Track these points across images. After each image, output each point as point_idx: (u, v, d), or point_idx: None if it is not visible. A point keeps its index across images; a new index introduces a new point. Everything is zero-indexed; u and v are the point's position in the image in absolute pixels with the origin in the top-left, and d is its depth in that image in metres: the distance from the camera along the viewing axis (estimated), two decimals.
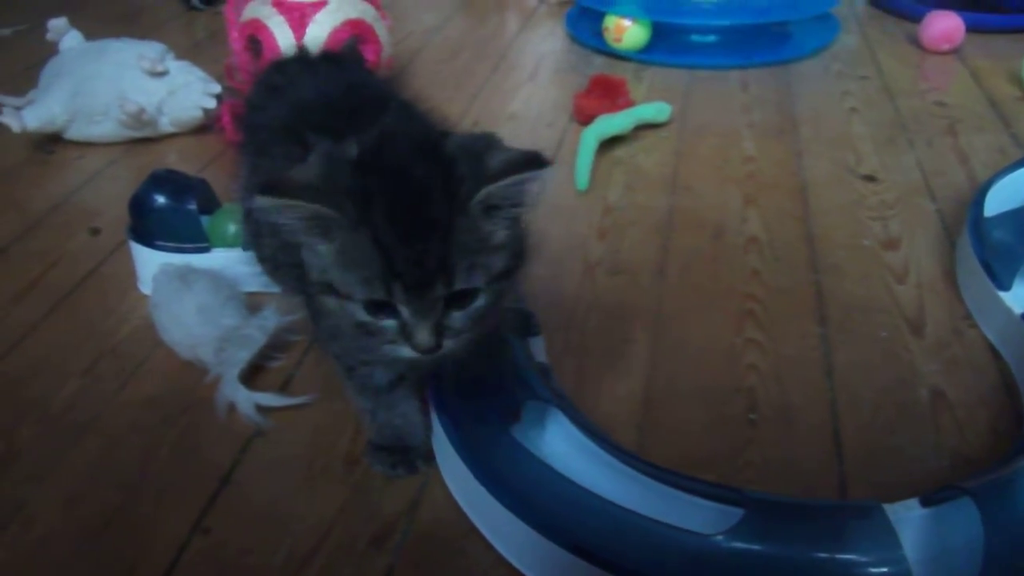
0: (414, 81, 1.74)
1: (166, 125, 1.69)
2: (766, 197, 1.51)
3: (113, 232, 1.47)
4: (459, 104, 1.78)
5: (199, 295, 1.17)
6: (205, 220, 1.33)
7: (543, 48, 2.07)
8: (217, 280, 1.19)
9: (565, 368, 1.15)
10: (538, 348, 1.09)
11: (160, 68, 1.67)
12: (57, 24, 1.80)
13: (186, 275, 1.19)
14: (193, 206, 1.28)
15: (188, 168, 1.52)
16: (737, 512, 0.86)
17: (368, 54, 1.69)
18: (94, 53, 1.73)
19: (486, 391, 1.00)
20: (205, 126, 1.72)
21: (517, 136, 1.60)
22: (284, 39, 1.63)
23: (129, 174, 1.67)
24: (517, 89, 1.88)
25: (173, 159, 1.67)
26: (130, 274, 1.37)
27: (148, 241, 1.30)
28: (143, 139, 1.72)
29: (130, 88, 1.66)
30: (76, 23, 1.90)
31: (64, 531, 1.00)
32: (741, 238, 1.41)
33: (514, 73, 1.95)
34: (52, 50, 1.88)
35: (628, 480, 0.93)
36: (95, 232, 1.48)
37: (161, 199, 1.29)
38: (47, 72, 1.77)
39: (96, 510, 1.02)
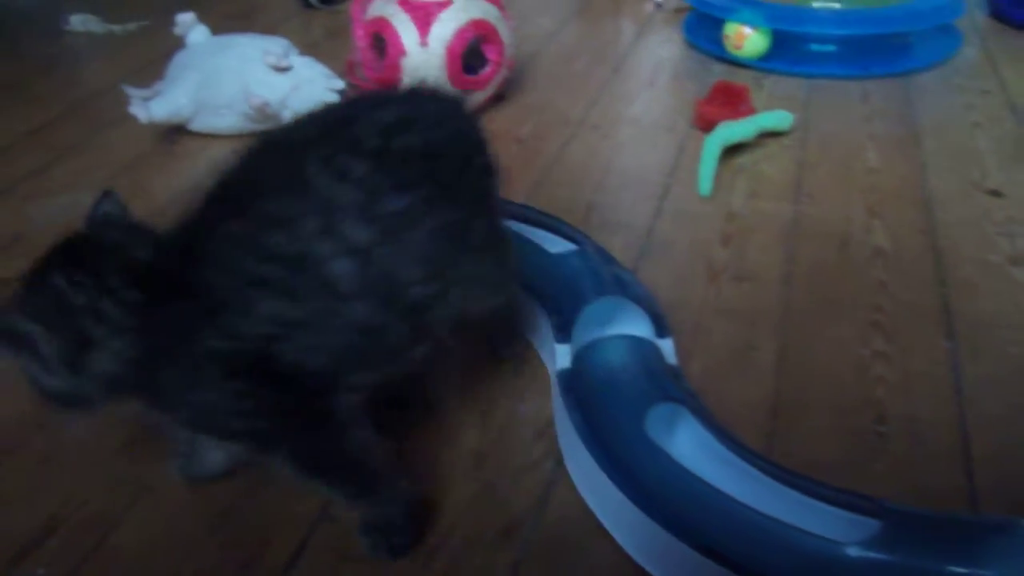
0: (534, 83, 1.76)
1: (289, 119, 1.69)
2: (890, 209, 1.49)
3: None
4: (579, 108, 1.78)
5: None
6: None
7: (661, 54, 2.06)
8: None
9: (691, 372, 1.14)
10: (668, 350, 1.08)
11: (284, 63, 1.69)
12: (184, 19, 1.83)
13: None
14: None
15: None
16: (872, 523, 0.85)
17: (491, 54, 1.69)
18: (220, 48, 1.75)
19: (618, 389, 0.98)
20: None
21: (637, 140, 1.61)
22: (409, 38, 1.64)
23: None
24: (636, 94, 1.88)
25: None
26: None
27: None
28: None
29: (255, 82, 1.67)
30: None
31: (194, 508, 1.04)
32: (866, 249, 1.39)
33: (632, 78, 1.94)
34: (178, 44, 1.91)
35: (759, 483, 0.92)
36: None
37: None
38: (174, 65, 1.79)
39: (221, 492, 1.04)
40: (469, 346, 1.11)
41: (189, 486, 1.05)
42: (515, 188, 1.54)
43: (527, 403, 1.13)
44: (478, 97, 1.71)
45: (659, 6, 2.32)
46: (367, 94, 1.08)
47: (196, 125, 1.76)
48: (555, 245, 1.22)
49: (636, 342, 1.07)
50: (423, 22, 1.64)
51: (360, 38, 1.70)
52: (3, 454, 1.13)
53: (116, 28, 2.44)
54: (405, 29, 1.65)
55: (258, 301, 0.80)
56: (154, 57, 2.10)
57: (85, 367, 0.79)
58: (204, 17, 1.88)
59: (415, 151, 0.85)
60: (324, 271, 0.81)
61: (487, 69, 1.70)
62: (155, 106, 1.72)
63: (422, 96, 0.97)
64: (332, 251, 0.81)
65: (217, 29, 1.93)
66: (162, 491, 1.04)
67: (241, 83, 1.68)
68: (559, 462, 1.05)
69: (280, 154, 0.88)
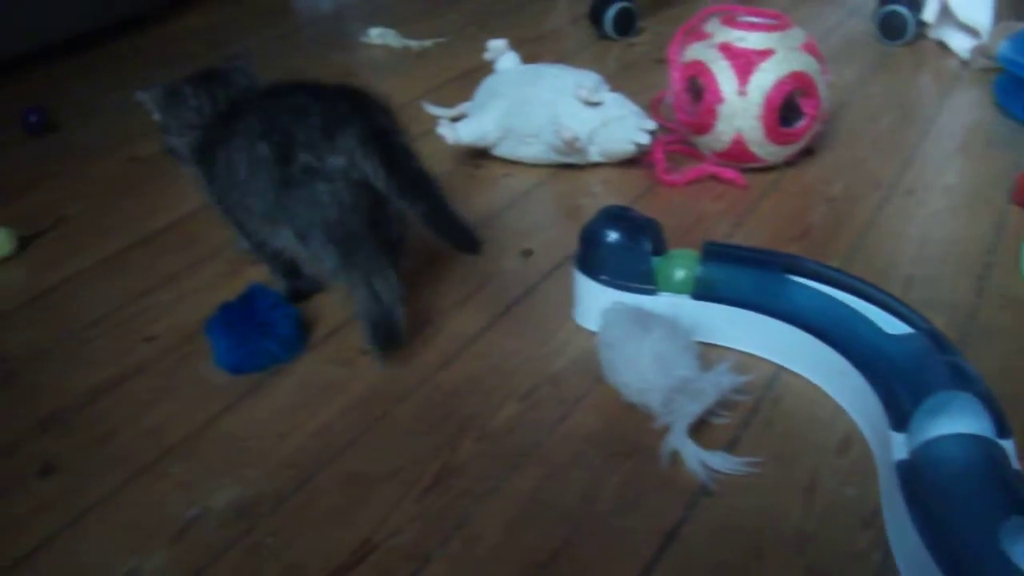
0: (841, 138, 1.70)
1: (594, 154, 1.69)
2: None
3: (544, 256, 1.49)
4: (890, 170, 1.72)
5: (657, 341, 1.15)
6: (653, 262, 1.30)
7: (970, 117, 1.98)
8: (674, 328, 1.17)
9: None
10: (1011, 452, 1.02)
11: (596, 98, 1.68)
12: (496, 45, 1.84)
13: (644, 319, 1.18)
14: (648, 246, 1.25)
15: (612, 200, 1.55)
16: None
17: (808, 107, 1.65)
18: (531, 76, 1.75)
19: (966, 494, 0.93)
20: (631, 160, 1.68)
21: (953, 211, 1.54)
22: (728, 85, 1.60)
23: (555, 198, 1.71)
24: (949, 160, 1.80)
25: (598, 189, 1.67)
26: (565, 302, 1.38)
27: (594, 275, 1.28)
28: (568, 164, 1.71)
29: (565, 114, 1.66)
30: (481, 41, 1.99)
31: (508, 557, 1.01)
32: None
33: (943, 142, 1.86)
34: (472, 65, 2.02)
35: None
36: (527, 254, 1.48)
37: (614, 235, 1.28)
38: (483, 90, 1.80)
39: (540, 542, 1.03)
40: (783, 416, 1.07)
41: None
42: (828, 250, 1.51)
43: (853, 487, 1.06)
44: (790, 151, 1.65)
45: (965, 64, 2.22)
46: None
47: (500, 151, 1.76)
48: (891, 325, 1.15)
49: (982, 442, 1.02)
50: (743, 70, 1.60)
51: (676, 80, 1.67)
52: (315, 469, 1.16)
53: (413, 43, 2.48)
54: (724, 75, 1.61)
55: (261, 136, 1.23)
56: (450, 76, 2.14)
57: (185, 136, 1.36)
58: (497, 39, 1.87)
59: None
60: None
61: (803, 122, 1.65)
62: (463, 129, 1.73)
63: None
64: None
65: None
66: (479, 533, 1.05)
67: (551, 114, 1.68)
68: (887, 555, 1.00)
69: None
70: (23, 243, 1.67)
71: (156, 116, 1.35)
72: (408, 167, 1.18)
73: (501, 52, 1.85)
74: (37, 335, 1.44)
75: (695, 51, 1.67)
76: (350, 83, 1.30)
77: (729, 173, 1.68)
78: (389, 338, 1.25)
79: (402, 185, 1.18)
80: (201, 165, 1.32)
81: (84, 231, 1.74)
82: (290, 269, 1.35)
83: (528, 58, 1.95)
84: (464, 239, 1.20)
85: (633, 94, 1.80)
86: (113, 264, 1.59)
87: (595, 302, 1.28)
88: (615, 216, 1.30)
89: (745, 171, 1.68)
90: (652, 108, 1.80)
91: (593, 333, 1.31)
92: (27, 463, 1.18)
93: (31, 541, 1.08)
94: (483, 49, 2.06)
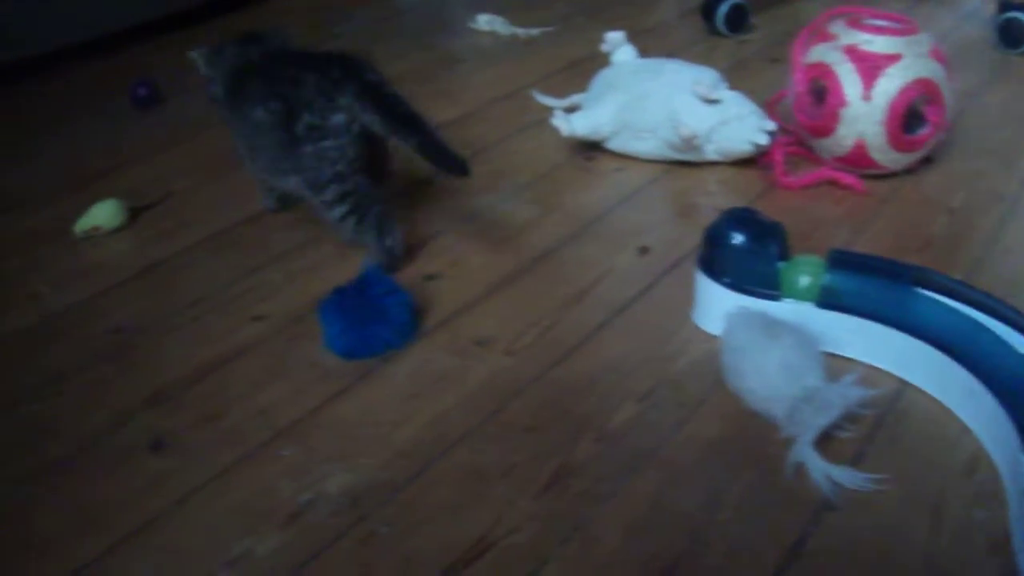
0: (960, 148, 1.64)
1: (711, 153, 1.66)
2: None
3: (661, 254, 1.47)
4: (1013, 183, 1.66)
5: (785, 349, 1.12)
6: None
7: None
8: (802, 337, 1.14)
9: None
10: None
11: (714, 96, 1.64)
12: (614, 37, 1.82)
13: (771, 325, 1.15)
14: (774, 251, 1.22)
15: (729, 200, 1.55)
16: None
17: (932, 115, 1.60)
18: (649, 71, 1.72)
19: None
20: (747, 159, 1.65)
21: None
22: (852, 89, 1.56)
23: (670, 196, 1.68)
24: None
25: (713, 188, 1.64)
26: (684, 302, 1.35)
27: (717, 277, 1.24)
28: (682, 162, 1.68)
29: (683, 111, 1.63)
30: (590, 31, 1.95)
31: (627, 561, 0.99)
32: None
33: None
34: (582, 55, 2.06)
35: None
36: (643, 251, 1.45)
37: (740, 238, 1.25)
38: (598, 82, 1.78)
39: (660, 548, 1.00)
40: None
41: None
42: (951, 262, 1.46)
43: (982, 510, 1.04)
44: (912, 158, 1.61)
45: None
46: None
47: (614, 144, 1.73)
48: (1022, 344, 1.11)
49: None
50: (869, 74, 1.56)
51: (798, 82, 1.62)
52: (430, 460, 1.15)
53: (520, 31, 2.46)
54: (848, 79, 1.57)
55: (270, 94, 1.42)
56: (560, 65, 2.12)
57: (218, 86, 1.53)
58: (602, 31, 1.91)
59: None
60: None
61: (926, 130, 1.60)
62: (577, 121, 1.71)
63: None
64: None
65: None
66: (597, 536, 1.02)
67: (668, 110, 1.65)
68: None
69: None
70: (133, 215, 1.65)
71: (203, 71, 1.53)
72: (400, 109, 1.37)
73: (618, 44, 1.82)
74: (147, 308, 1.45)
75: (819, 52, 1.63)
76: (339, 51, 1.46)
77: (848, 178, 1.63)
78: (391, 267, 1.46)
79: (396, 125, 1.37)
80: (228, 114, 1.50)
81: (192, 205, 1.75)
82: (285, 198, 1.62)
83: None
84: (453, 163, 1.37)
85: (746, 93, 1.77)
86: (222, 240, 1.58)
87: (717, 304, 1.25)
88: (742, 218, 1.27)
89: (864, 177, 1.63)
90: (769, 108, 1.76)
91: (713, 336, 1.29)
92: (138, 437, 1.18)
93: (142, 516, 1.08)
94: (592, 40, 2.05)
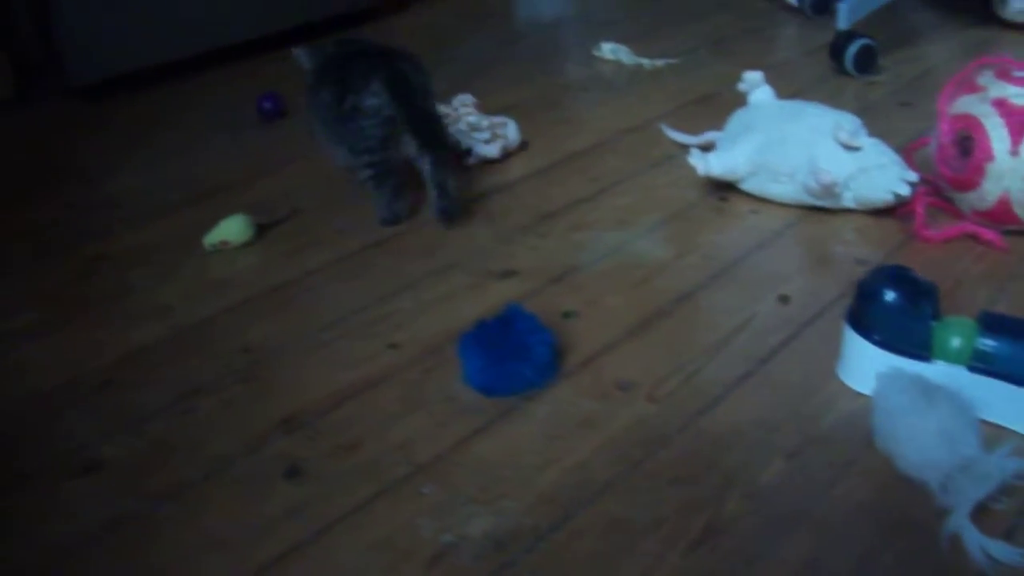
0: None
1: (848, 200, 1.62)
2: None
3: (802, 304, 1.46)
4: None
5: (942, 416, 1.09)
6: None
7: None
8: (958, 402, 1.11)
9: None
10: None
11: (855, 142, 1.60)
12: (752, 77, 1.80)
13: (928, 390, 1.12)
14: (928, 311, 1.18)
15: (866, 251, 1.56)
16: None
17: None
18: (788, 114, 1.70)
19: None
20: (886, 209, 1.60)
21: None
22: (999, 143, 1.53)
23: (806, 242, 1.65)
24: None
25: (851, 237, 1.61)
26: (827, 356, 1.33)
27: (867, 334, 1.21)
28: (817, 207, 1.64)
29: (822, 156, 1.60)
30: (715, 65, 1.94)
31: None
32: None
33: None
34: (704, 92, 2.05)
35: None
36: (784, 300, 1.42)
37: (893, 296, 1.21)
38: (736, 122, 1.76)
39: None
40: None
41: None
42: None
43: None
44: None
45: None
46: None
47: (749, 186, 1.71)
48: None
49: None
50: (1018, 129, 1.52)
51: (943, 133, 1.58)
52: (574, 508, 1.14)
53: (645, 62, 2.44)
54: (997, 133, 1.53)
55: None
56: (686, 100, 2.13)
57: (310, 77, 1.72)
58: (728, 65, 1.82)
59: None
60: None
61: None
62: (714, 160, 1.69)
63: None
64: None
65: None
66: None
67: (808, 155, 1.62)
68: None
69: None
70: (260, 230, 1.66)
71: (304, 64, 1.75)
72: (416, 108, 1.65)
73: (756, 84, 1.80)
74: (278, 328, 1.45)
75: (966, 104, 1.59)
76: (390, 46, 1.70)
77: (989, 234, 1.59)
78: (388, 223, 1.77)
79: (410, 121, 1.65)
80: (310, 98, 1.71)
81: (320, 224, 1.76)
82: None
83: None
84: (432, 140, 1.69)
85: (877, 137, 1.72)
86: (352, 263, 1.58)
87: (865, 362, 1.23)
88: (896, 276, 1.24)
89: (1005, 233, 1.58)
90: (907, 156, 1.72)
91: (860, 393, 1.28)
92: (272, 462, 1.19)
93: (279, 546, 1.08)
94: (718, 74, 2.09)
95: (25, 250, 1.72)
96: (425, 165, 1.67)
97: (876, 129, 1.75)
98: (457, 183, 1.75)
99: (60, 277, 1.63)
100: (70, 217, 1.83)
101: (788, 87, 2.08)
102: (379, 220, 1.72)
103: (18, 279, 1.64)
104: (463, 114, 1.93)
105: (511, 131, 1.91)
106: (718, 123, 1.87)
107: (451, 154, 1.76)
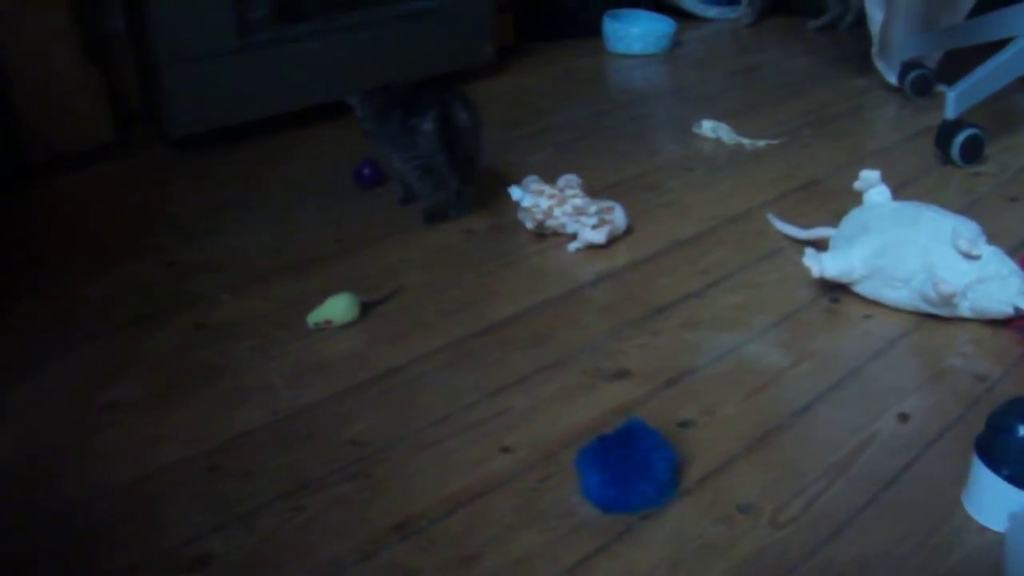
0: None
1: (965, 309, 1.59)
2: None
3: (922, 422, 1.44)
4: None
5: None
6: None
7: None
8: None
9: None
10: None
11: (975, 252, 1.57)
12: (869, 176, 1.79)
13: None
14: None
15: (985, 364, 1.55)
16: None
17: None
18: (908, 217, 1.67)
19: None
20: (1003, 320, 1.56)
21: None
22: None
23: (922, 353, 1.62)
24: None
25: (968, 349, 1.58)
26: (951, 482, 1.31)
27: (997, 468, 1.18)
28: (932, 315, 1.60)
29: (941, 264, 1.57)
30: (817, 147, 2.05)
31: None
32: None
33: None
34: (833, 185, 2.05)
35: None
36: (903, 418, 1.39)
37: None
38: (851, 221, 1.74)
39: None
40: None
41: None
42: None
43: None
44: None
45: None
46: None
47: (863, 289, 1.68)
48: None
49: None
50: None
51: None
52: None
53: (746, 141, 2.42)
54: None
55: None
56: (791, 186, 2.14)
57: (368, 121, 2.13)
58: (830, 149, 1.79)
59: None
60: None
61: None
62: (829, 262, 1.66)
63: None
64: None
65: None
66: None
67: (926, 262, 1.59)
68: None
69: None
70: (363, 308, 1.63)
71: (359, 111, 2.09)
72: (459, 149, 2.06)
73: (872, 184, 1.78)
74: (387, 420, 1.45)
75: None
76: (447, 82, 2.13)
77: None
78: (436, 217, 2.12)
79: (452, 162, 2.05)
80: (373, 126, 2.08)
81: (424, 305, 1.76)
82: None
83: None
84: (460, 208, 2.13)
85: (985, 233, 1.70)
86: (459, 351, 1.56)
87: (993, 496, 1.21)
88: None
89: None
90: (1021, 261, 1.67)
91: (986, 527, 1.26)
92: (388, 571, 1.18)
93: None
94: (821, 158, 2.15)
95: (128, 311, 1.73)
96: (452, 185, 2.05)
97: (987, 228, 1.71)
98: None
99: (163, 344, 1.63)
100: (171, 278, 1.84)
101: (894, 176, 2.06)
102: (424, 215, 2.09)
103: (121, 343, 1.64)
104: (569, 195, 1.90)
105: (619, 216, 1.88)
106: (821, 213, 1.89)
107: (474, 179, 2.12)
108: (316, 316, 1.64)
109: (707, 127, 2.48)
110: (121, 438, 1.40)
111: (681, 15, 3.52)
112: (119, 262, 1.89)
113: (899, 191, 2.03)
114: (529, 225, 1.92)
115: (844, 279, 1.68)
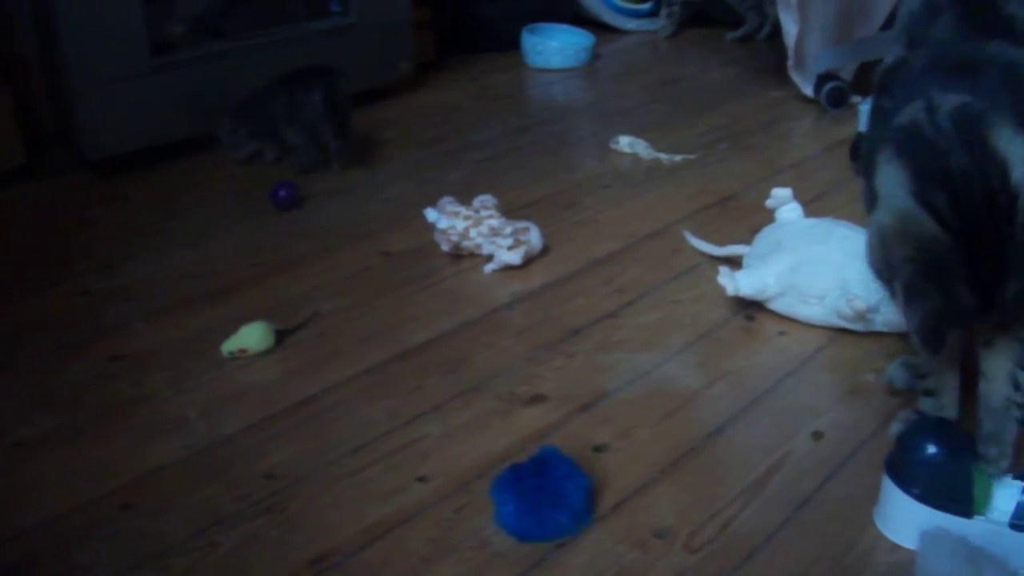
0: None
1: (878, 324, 1.61)
2: None
3: (836, 441, 1.46)
4: None
5: None
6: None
7: None
8: (1004, 569, 1.07)
9: None
10: None
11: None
12: (780, 193, 1.81)
13: (973, 555, 1.11)
14: (969, 466, 1.16)
15: (885, 382, 1.55)
16: None
17: None
18: (820, 233, 1.70)
19: None
20: None
21: None
22: None
23: (837, 369, 1.65)
24: None
25: (882, 364, 1.59)
26: (863, 500, 1.33)
27: (906, 487, 1.20)
28: (847, 330, 1.62)
29: (854, 280, 1.59)
30: (734, 162, 2.11)
31: None
32: None
33: None
34: (746, 200, 2.06)
35: None
36: (817, 436, 1.40)
37: (933, 449, 1.20)
38: (763, 239, 1.75)
39: None
40: None
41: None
42: None
43: None
44: None
45: None
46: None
47: (777, 306, 1.69)
48: None
49: None
50: None
51: None
52: None
53: (663, 156, 2.43)
54: None
55: None
56: (707, 202, 2.16)
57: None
58: (747, 162, 1.83)
59: None
60: None
61: None
62: (743, 281, 1.67)
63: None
64: None
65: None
66: None
67: (840, 278, 1.61)
68: None
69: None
70: (278, 336, 1.62)
71: (227, 126, 2.46)
72: (341, 111, 2.40)
73: (784, 201, 1.80)
74: (301, 452, 1.44)
75: None
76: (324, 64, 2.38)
77: None
78: (311, 170, 2.43)
79: (332, 118, 2.39)
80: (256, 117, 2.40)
81: (340, 332, 1.75)
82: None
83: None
84: (343, 160, 2.44)
85: None
86: (375, 378, 1.56)
87: (904, 514, 1.24)
88: (935, 428, 1.23)
89: None
90: None
91: (897, 544, 1.27)
92: None
93: None
94: (736, 173, 2.17)
95: (42, 343, 1.70)
96: (332, 144, 2.40)
97: None
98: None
99: (77, 377, 1.61)
100: (86, 307, 1.81)
101: (809, 189, 2.10)
102: (299, 166, 2.46)
103: (35, 376, 1.61)
104: (485, 216, 1.89)
105: (534, 236, 1.88)
106: (737, 228, 1.92)
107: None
108: (231, 345, 1.62)
109: (624, 143, 2.49)
110: (34, 478, 1.38)
111: (600, 27, 3.52)
112: (33, 291, 1.85)
113: (815, 203, 2.05)
114: (445, 247, 1.91)
115: (759, 297, 1.69)
